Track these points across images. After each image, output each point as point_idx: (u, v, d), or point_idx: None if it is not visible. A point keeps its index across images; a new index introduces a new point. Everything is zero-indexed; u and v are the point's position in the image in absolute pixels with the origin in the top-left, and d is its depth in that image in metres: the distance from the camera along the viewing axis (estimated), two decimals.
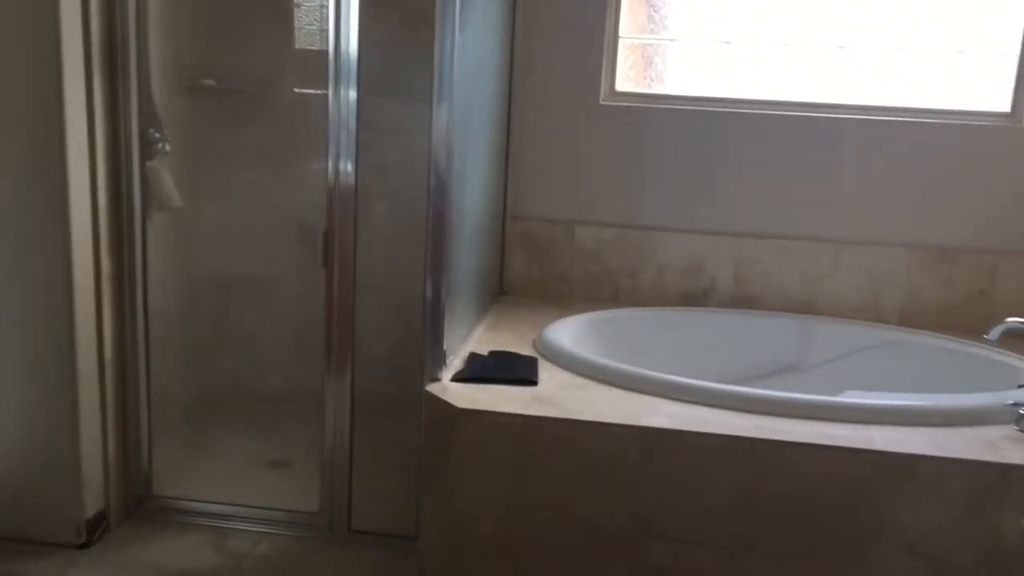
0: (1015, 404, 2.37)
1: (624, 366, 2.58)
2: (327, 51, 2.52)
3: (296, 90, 3.30)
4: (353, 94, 2.52)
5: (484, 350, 2.76)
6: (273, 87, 3.29)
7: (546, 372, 2.62)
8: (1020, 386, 2.61)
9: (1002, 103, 3.06)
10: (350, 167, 2.55)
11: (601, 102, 3.23)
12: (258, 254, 3.31)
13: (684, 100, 3.22)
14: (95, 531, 2.69)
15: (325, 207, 2.59)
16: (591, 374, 2.59)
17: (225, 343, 3.34)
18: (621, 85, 3.27)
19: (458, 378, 2.55)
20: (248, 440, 3.22)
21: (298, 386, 2.98)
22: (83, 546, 2.64)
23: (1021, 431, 2.33)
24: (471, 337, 2.88)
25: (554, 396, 2.46)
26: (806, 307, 3.19)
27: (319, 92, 2.58)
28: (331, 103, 2.53)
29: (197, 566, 2.56)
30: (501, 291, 3.36)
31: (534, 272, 3.34)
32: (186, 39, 3.08)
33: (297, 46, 3.29)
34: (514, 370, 2.61)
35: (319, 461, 2.71)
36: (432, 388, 2.48)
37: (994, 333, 2.48)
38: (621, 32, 3.23)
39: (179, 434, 3.09)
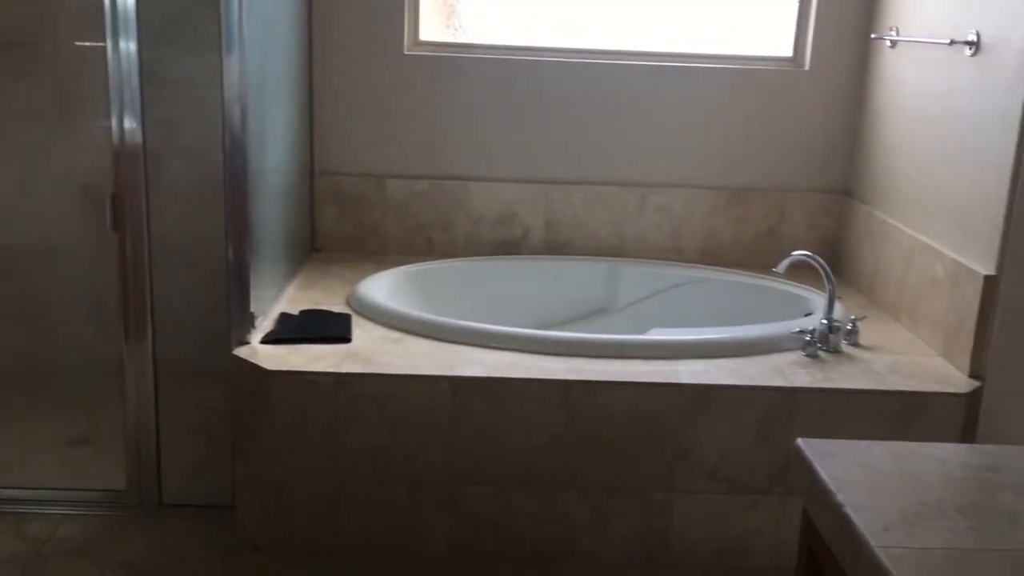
0: (801, 331, 2.55)
1: (437, 317, 2.59)
2: None
3: (76, 43, 3.05)
4: (133, 46, 2.36)
5: (295, 309, 2.69)
6: (47, 39, 3.03)
7: (360, 328, 2.59)
8: (807, 314, 2.80)
9: (784, 48, 3.23)
10: (135, 124, 2.39)
11: (405, 52, 3.17)
12: (40, 220, 3.06)
13: (488, 49, 3.21)
14: None
15: (111, 168, 2.42)
16: (405, 327, 2.58)
17: (10, 316, 3.09)
18: (425, 34, 3.22)
19: (268, 339, 2.48)
20: (44, 418, 3.02)
21: (95, 358, 2.80)
22: None
23: (807, 356, 2.51)
24: (282, 297, 2.81)
25: (368, 352, 2.43)
26: (616, 251, 3.29)
27: (99, 45, 2.39)
28: (110, 56, 2.36)
29: None
30: (314, 248, 3.28)
31: (347, 228, 3.27)
32: None
33: None
34: (327, 328, 2.56)
35: (123, 435, 2.57)
36: (240, 352, 2.40)
37: (782, 266, 2.64)
38: None
39: None
